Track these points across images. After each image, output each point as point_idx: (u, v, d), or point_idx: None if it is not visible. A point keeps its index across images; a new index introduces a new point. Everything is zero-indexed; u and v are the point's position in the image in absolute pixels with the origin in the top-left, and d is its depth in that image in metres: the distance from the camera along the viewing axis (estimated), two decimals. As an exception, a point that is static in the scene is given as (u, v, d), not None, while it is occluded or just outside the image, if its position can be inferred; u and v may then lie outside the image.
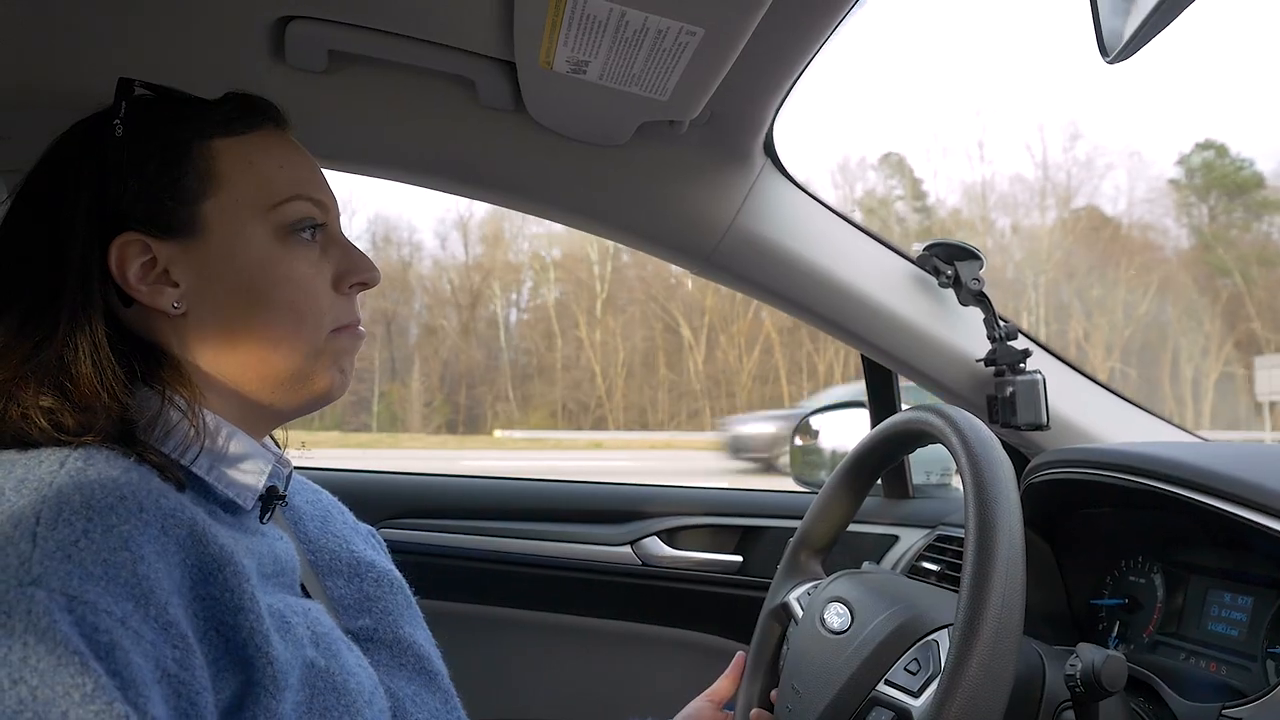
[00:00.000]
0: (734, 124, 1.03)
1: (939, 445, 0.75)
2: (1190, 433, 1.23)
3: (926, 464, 1.54)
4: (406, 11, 0.88)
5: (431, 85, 1.01)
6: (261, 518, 0.69)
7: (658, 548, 1.50)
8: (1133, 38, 0.62)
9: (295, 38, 0.91)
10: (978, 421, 0.72)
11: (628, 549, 1.51)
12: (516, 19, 0.81)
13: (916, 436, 0.82)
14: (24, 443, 0.58)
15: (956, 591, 0.64)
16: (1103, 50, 0.66)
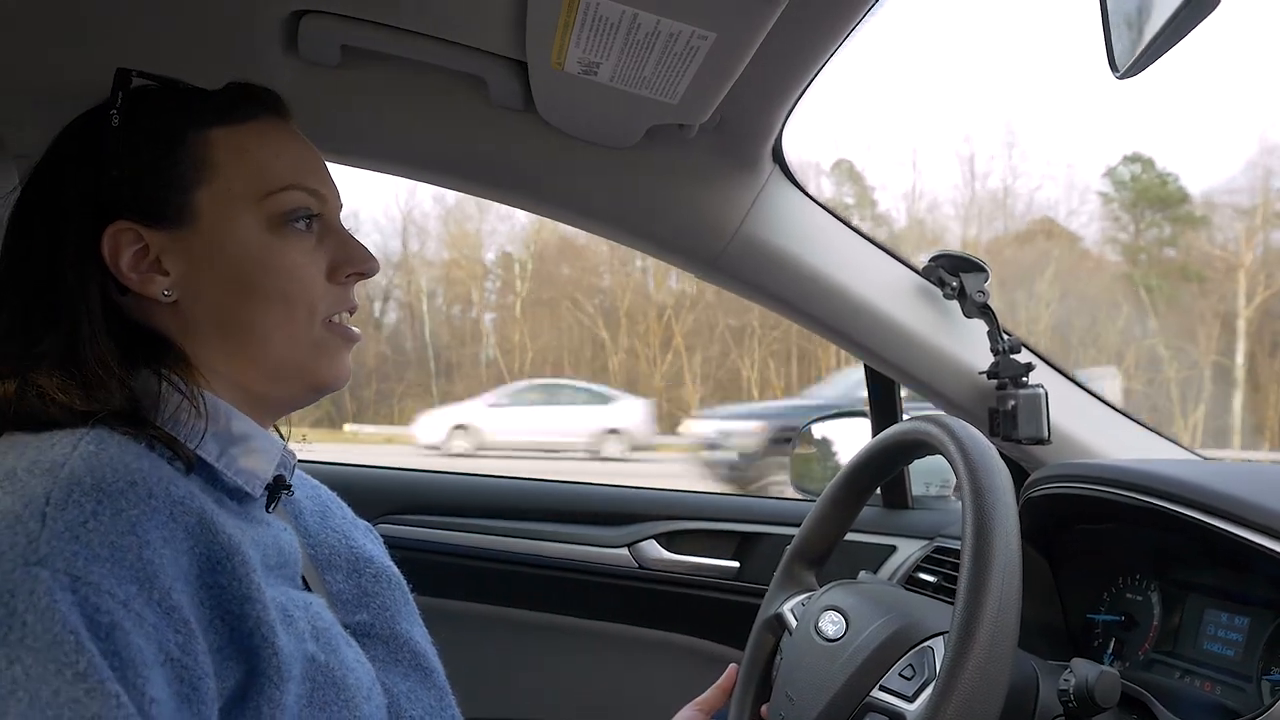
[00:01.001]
0: (743, 130, 1.03)
1: (939, 457, 0.75)
2: (1192, 451, 1.22)
3: (926, 475, 1.54)
4: (420, 8, 0.89)
5: (443, 83, 1.01)
6: (267, 507, 0.69)
7: (655, 551, 1.50)
8: (1143, 54, 0.62)
9: (309, 32, 0.92)
10: (976, 431, 0.72)
11: (625, 551, 1.51)
12: (529, 19, 0.81)
13: (915, 446, 0.82)
14: (39, 423, 0.58)
15: (952, 602, 0.64)
16: (1113, 65, 0.66)
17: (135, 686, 0.49)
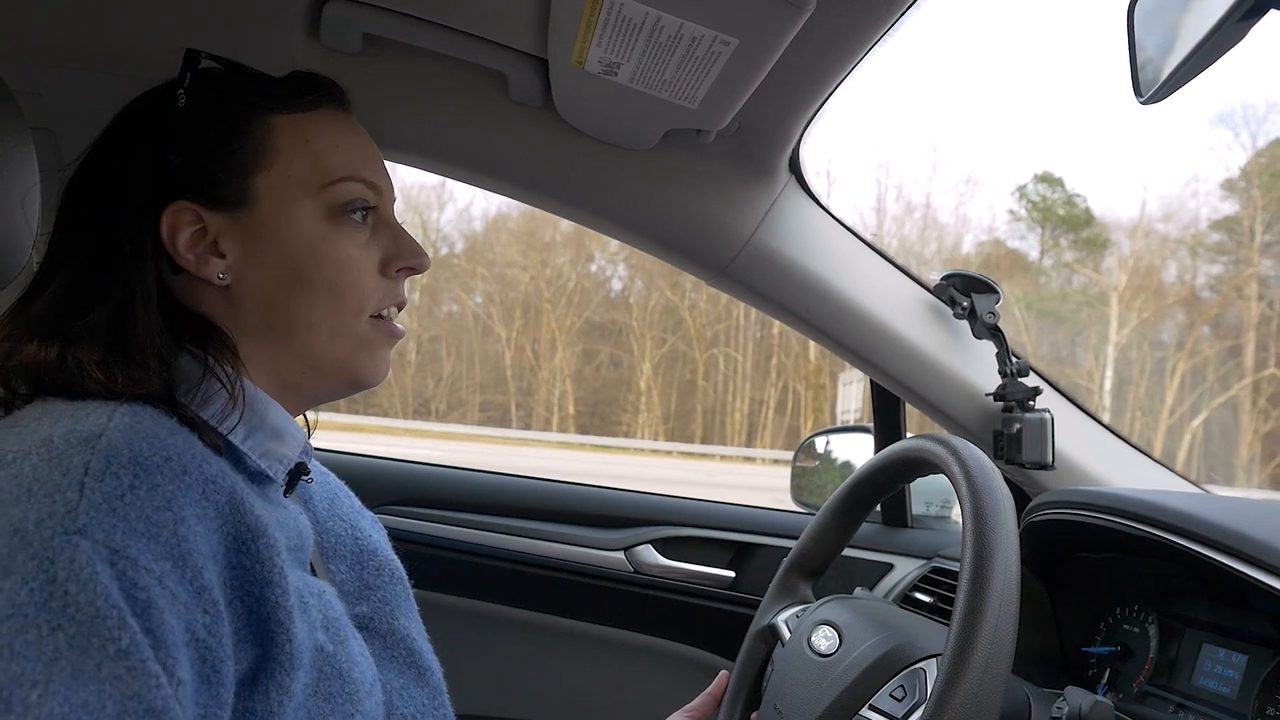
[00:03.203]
0: (761, 138, 1.03)
1: (940, 477, 0.75)
2: (1195, 484, 1.22)
3: (927, 495, 1.54)
4: (443, 0, 0.89)
5: (463, 76, 1.01)
6: (286, 492, 0.69)
7: (651, 556, 1.49)
8: (1168, 80, 0.62)
9: (331, 18, 0.92)
10: (981, 454, 0.71)
11: (621, 555, 1.50)
12: (552, 16, 0.81)
13: (918, 465, 0.81)
14: (75, 392, 0.58)
15: (948, 624, 0.64)
16: (1137, 91, 0.66)
17: (166, 667, 0.48)
